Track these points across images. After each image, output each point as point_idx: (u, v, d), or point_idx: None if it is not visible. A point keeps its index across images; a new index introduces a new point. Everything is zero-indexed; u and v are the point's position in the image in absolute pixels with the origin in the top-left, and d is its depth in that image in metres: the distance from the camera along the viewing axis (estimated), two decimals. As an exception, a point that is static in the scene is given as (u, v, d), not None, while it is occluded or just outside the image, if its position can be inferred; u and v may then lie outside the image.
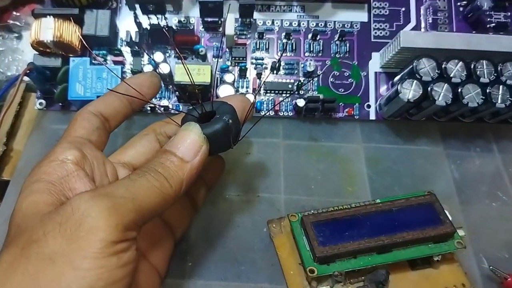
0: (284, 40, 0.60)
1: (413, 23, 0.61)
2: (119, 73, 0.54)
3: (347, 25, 0.61)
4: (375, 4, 0.61)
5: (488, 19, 0.60)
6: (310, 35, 0.60)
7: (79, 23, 0.55)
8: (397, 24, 0.61)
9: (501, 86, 0.52)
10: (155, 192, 0.33)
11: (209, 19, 0.59)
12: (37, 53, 0.55)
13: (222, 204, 0.53)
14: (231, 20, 0.55)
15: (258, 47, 0.60)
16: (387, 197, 0.50)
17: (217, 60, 0.58)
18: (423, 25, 0.61)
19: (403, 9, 0.61)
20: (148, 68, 0.56)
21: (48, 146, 0.40)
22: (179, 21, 0.60)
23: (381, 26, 0.60)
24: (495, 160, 0.58)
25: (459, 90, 0.51)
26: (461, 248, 0.47)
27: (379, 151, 0.57)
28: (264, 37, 0.60)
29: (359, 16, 0.61)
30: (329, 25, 0.60)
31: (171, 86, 0.57)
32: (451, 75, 0.52)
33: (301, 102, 0.56)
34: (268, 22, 0.60)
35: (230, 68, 0.58)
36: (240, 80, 0.59)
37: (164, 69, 0.54)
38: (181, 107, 0.58)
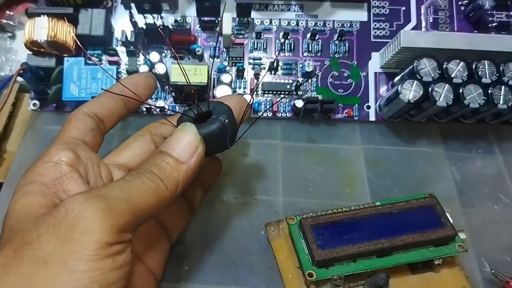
0: (282, 40, 0.60)
1: (413, 22, 0.61)
2: (114, 73, 0.54)
3: (347, 25, 0.61)
4: (375, 3, 0.61)
5: (490, 19, 0.60)
6: (308, 35, 0.60)
7: (73, 23, 0.55)
8: (397, 24, 0.61)
9: (503, 87, 0.52)
10: (151, 193, 0.33)
11: (205, 18, 0.59)
12: (31, 53, 0.55)
13: (219, 207, 0.53)
14: (228, 19, 0.56)
15: (255, 47, 0.60)
16: (387, 199, 0.50)
17: (213, 60, 0.59)
18: (423, 24, 0.61)
19: (404, 8, 0.61)
20: (143, 68, 0.56)
21: (42, 148, 0.41)
22: (175, 21, 0.60)
23: (381, 25, 0.61)
24: (497, 161, 0.58)
25: (461, 90, 0.51)
26: (462, 252, 0.47)
27: (379, 153, 0.57)
28: (262, 37, 0.60)
29: (359, 15, 0.61)
30: (328, 24, 0.61)
31: (167, 87, 0.58)
32: (452, 76, 0.52)
33: (299, 103, 0.56)
34: (266, 22, 0.61)
35: (227, 68, 0.59)
36: (238, 81, 0.59)
37: (160, 69, 0.54)
38: (177, 108, 0.58)
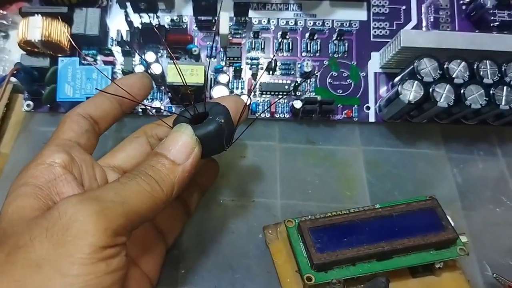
0: (280, 40, 0.60)
1: (414, 21, 0.61)
2: (109, 73, 0.54)
3: (346, 24, 0.61)
4: (375, 2, 0.62)
5: (492, 18, 0.60)
6: (307, 34, 0.60)
7: (68, 22, 0.55)
8: (398, 23, 0.61)
9: (505, 87, 0.52)
10: (146, 196, 0.33)
11: (202, 18, 0.59)
12: (24, 53, 0.55)
13: (216, 209, 0.53)
14: (226, 18, 0.56)
15: (253, 46, 0.60)
16: (387, 202, 0.50)
17: (210, 60, 0.59)
18: (424, 24, 0.61)
19: (404, 7, 0.61)
20: (139, 69, 0.56)
21: (36, 149, 0.40)
22: (172, 20, 0.60)
23: (380, 25, 0.61)
24: (499, 164, 0.58)
25: (462, 91, 0.51)
26: (463, 255, 0.47)
27: (379, 155, 0.57)
28: (259, 37, 0.60)
29: (358, 14, 0.61)
30: (327, 24, 0.61)
31: (163, 87, 0.58)
32: (454, 76, 0.52)
33: (298, 104, 0.56)
34: (264, 21, 0.61)
35: (225, 68, 0.59)
36: (235, 81, 0.59)
37: (156, 69, 0.54)
38: (173, 108, 0.58)
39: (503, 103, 0.51)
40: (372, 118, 0.58)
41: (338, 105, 0.58)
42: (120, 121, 0.55)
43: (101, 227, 0.29)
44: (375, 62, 0.60)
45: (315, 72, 0.59)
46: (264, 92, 0.58)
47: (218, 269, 0.49)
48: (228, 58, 0.59)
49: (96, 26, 0.56)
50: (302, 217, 0.49)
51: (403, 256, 0.46)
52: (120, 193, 0.32)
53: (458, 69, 0.52)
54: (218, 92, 0.55)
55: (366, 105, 0.59)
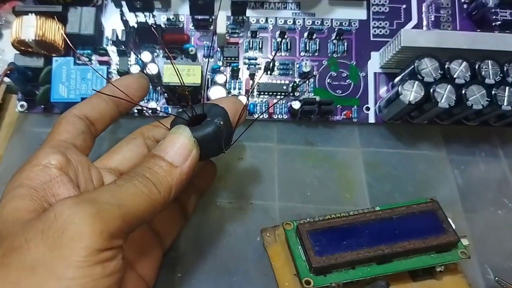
0: (279, 39, 0.60)
1: (414, 21, 0.61)
2: (105, 73, 0.54)
3: (345, 23, 0.61)
4: (375, 1, 0.62)
5: (494, 17, 0.60)
6: (306, 34, 0.60)
7: (62, 21, 0.55)
8: (398, 22, 0.61)
9: (507, 88, 0.52)
10: (143, 198, 0.33)
11: (199, 17, 0.59)
12: (18, 52, 0.55)
13: (213, 212, 0.53)
14: (223, 18, 0.56)
15: (251, 46, 0.60)
16: (387, 204, 0.50)
17: (207, 60, 0.59)
18: (425, 23, 0.61)
19: (404, 6, 0.62)
20: (135, 69, 0.56)
21: (30, 150, 0.41)
22: (168, 19, 0.60)
23: (380, 24, 0.61)
24: (501, 165, 0.58)
25: (463, 91, 0.51)
26: (465, 258, 0.47)
27: (379, 156, 0.57)
28: (257, 36, 0.60)
29: (358, 13, 0.61)
30: (326, 23, 0.61)
31: (159, 88, 0.58)
32: (455, 76, 0.52)
33: (296, 105, 0.56)
34: (262, 20, 0.61)
35: (222, 68, 0.59)
36: (232, 81, 0.59)
37: (152, 69, 0.55)
38: (170, 109, 0.58)
39: (505, 103, 0.51)
40: (372, 119, 0.59)
41: (337, 106, 0.59)
42: (115, 122, 0.54)
43: (97, 230, 0.29)
44: (375, 62, 0.60)
45: (314, 72, 0.59)
46: (262, 93, 0.58)
47: (215, 272, 0.49)
48: (225, 58, 0.59)
49: (91, 25, 0.56)
50: (300, 219, 0.49)
51: (403, 259, 0.46)
52: (117, 195, 0.32)
53: (459, 69, 0.52)
54: (215, 93, 0.55)
55: (366, 105, 0.59)
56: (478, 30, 0.60)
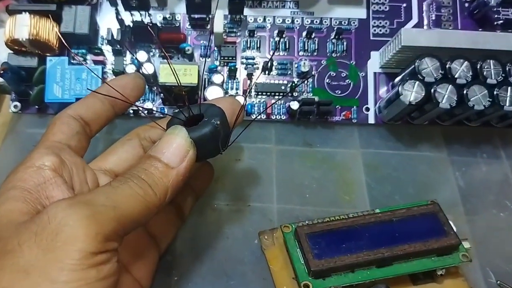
0: (277, 38, 0.60)
1: (415, 20, 0.61)
2: (100, 73, 0.54)
3: (344, 22, 0.61)
4: (374, 0, 0.62)
5: (496, 16, 0.60)
6: (304, 33, 0.60)
7: (56, 20, 0.55)
8: (398, 21, 0.61)
9: (509, 88, 0.52)
10: (138, 200, 0.33)
11: (196, 16, 0.59)
12: (11, 52, 0.55)
13: (210, 214, 0.53)
14: (220, 16, 0.56)
15: (248, 45, 0.60)
16: (387, 206, 0.50)
17: (204, 60, 0.59)
18: (425, 22, 0.61)
19: (404, 5, 0.62)
20: (131, 68, 0.56)
21: (24, 152, 0.41)
22: (164, 18, 0.60)
23: (380, 23, 0.61)
24: (503, 167, 0.58)
25: (464, 92, 0.51)
26: (466, 262, 0.47)
27: (379, 157, 0.57)
28: (255, 35, 0.60)
29: (357, 12, 0.61)
30: (325, 22, 0.61)
31: (155, 88, 0.58)
32: (456, 76, 0.52)
33: (294, 105, 0.56)
34: (260, 19, 0.61)
35: (219, 68, 0.59)
36: (230, 81, 0.59)
37: (148, 69, 0.54)
38: (166, 110, 0.58)
39: (507, 104, 0.51)
40: (371, 120, 0.59)
41: (337, 106, 0.59)
42: (111, 123, 0.54)
43: (91, 232, 0.29)
44: (375, 62, 0.60)
45: (313, 72, 0.59)
46: (260, 93, 0.58)
47: (212, 275, 0.49)
48: (222, 58, 0.59)
49: (85, 24, 0.56)
50: (299, 222, 0.49)
51: (403, 262, 0.46)
52: (112, 197, 0.32)
53: (460, 69, 0.52)
54: (212, 93, 0.55)
55: (366, 106, 0.59)
56: (480, 30, 0.60)
